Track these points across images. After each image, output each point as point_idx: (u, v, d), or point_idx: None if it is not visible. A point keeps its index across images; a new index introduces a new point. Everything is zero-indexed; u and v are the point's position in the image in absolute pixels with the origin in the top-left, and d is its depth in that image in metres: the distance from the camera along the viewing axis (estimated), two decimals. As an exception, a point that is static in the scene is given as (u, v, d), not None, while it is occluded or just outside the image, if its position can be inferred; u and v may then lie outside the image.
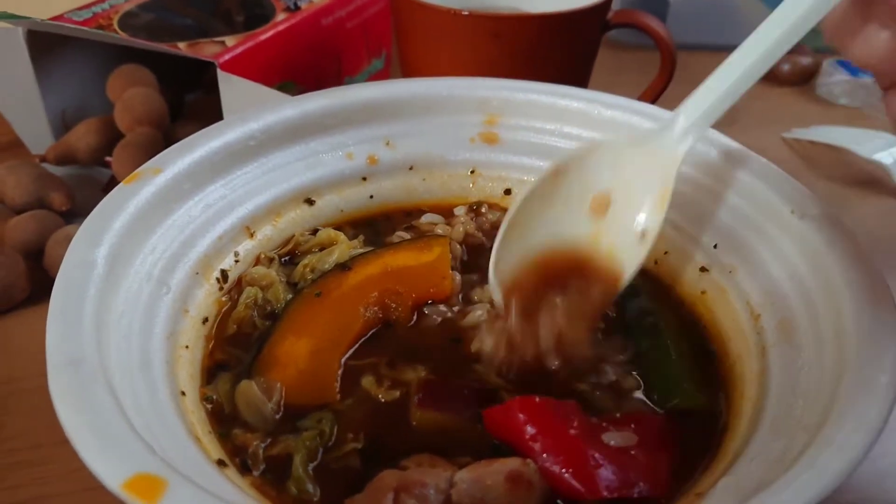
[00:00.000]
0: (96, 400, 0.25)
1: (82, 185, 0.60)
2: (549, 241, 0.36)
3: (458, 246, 0.41)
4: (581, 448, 0.29)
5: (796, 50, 0.83)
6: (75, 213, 0.56)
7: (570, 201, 0.36)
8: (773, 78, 0.82)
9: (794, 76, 0.82)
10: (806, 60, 0.83)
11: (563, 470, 0.29)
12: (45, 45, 0.60)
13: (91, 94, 0.64)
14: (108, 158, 0.61)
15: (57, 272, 0.49)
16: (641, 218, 0.35)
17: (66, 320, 0.28)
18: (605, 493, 0.28)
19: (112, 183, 0.61)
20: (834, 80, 0.80)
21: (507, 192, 0.46)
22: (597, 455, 0.28)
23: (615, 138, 0.36)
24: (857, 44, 0.31)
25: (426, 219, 0.44)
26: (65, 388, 0.25)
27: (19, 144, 0.64)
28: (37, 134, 0.63)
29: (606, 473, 0.28)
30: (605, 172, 0.36)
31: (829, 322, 0.31)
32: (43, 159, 0.61)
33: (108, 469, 0.23)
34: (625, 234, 0.35)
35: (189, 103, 0.67)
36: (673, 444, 0.31)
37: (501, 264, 0.35)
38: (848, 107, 0.79)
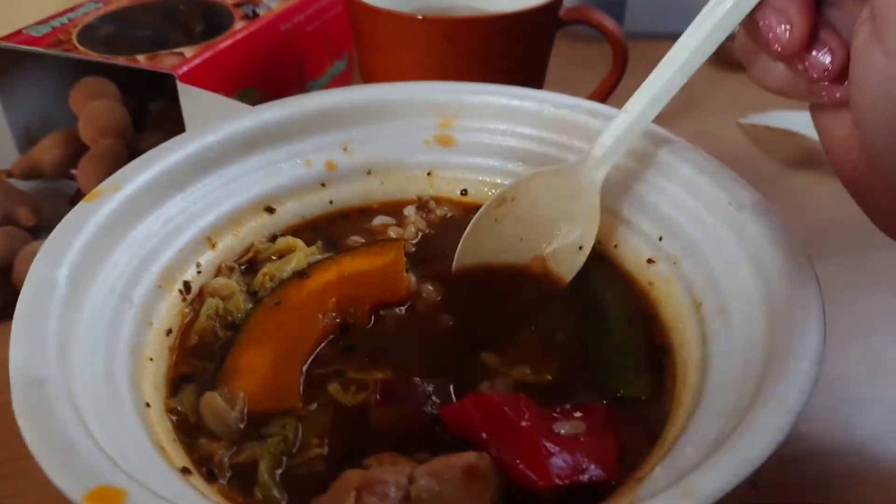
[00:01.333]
0: (58, 418, 0.26)
1: (49, 198, 0.61)
2: (500, 255, 0.42)
3: (412, 245, 0.43)
4: (533, 439, 0.30)
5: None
6: (42, 228, 0.57)
7: (518, 224, 0.42)
8: (729, 65, 0.84)
9: (750, 62, 0.84)
10: (761, 46, 0.85)
11: (517, 461, 0.30)
12: (6, 60, 0.60)
13: (55, 108, 0.65)
14: (73, 171, 0.62)
15: (26, 288, 0.50)
16: (578, 235, 0.41)
17: (28, 341, 0.29)
18: (556, 481, 0.29)
19: (78, 196, 0.62)
20: (788, 65, 0.82)
21: (464, 192, 0.47)
22: (548, 444, 0.30)
23: (549, 169, 0.42)
24: (758, 71, 0.34)
25: (378, 220, 0.45)
26: (28, 409, 0.26)
27: (-16, 160, 0.64)
28: (1, 149, 0.63)
29: (558, 461, 0.30)
30: (543, 198, 0.42)
31: (762, 309, 0.32)
32: (9, 174, 0.61)
33: (71, 483, 0.24)
34: (565, 248, 0.42)
35: (153, 112, 0.68)
36: (619, 431, 0.32)
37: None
38: (802, 91, 0.81)
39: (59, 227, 0.35)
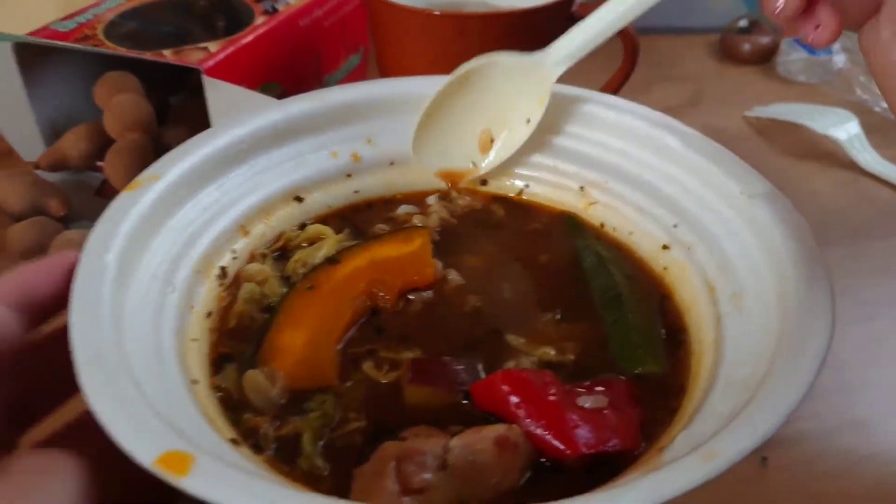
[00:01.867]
0: (122, 390, 0.28)
1: (75, 189, 0.63)
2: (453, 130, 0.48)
3: (435, 233, 0.45)
4: (560, 411, 0.32)
5: (756, 30, 0.87)
6: (71, 218, 0.59)
7: (472, 105, 0.48)
8: (734, 58, 0.86)
9: (754, 56, 0.86)
10: (765, 40, 0.87)
11: (546, 432, 0.32)
12: (33, 55, 0.62)
13: (79, 101, 0.67)
14: (99, 163, 0.63)
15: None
16: (527, 111, 0.46)
17: (86, 321, 0.31)
18: (583, 450, 0.31)
19: (104, 186, 0.64)
20: (791, 58, 0.84)
21: (483, 182, 0.49)
22: (574, 416, 0.32)
23: (505, 57, 0.46)
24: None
25: (402, 210, 0.47)
26: (94, 382, 0.28)
27: (11, 153, 0.66)
28: (28, 142, 0.65)
29: (583, 432, 0.32)
30: (499, 81, 0.47)
31: (773, 292, 0.34)
32: (36, 166, 0.63)
33: (141, 449, 0.26)
34: (515, 122, 0.47)
35: (174, 106, 0.70)
36: (639, 405, 0.34)
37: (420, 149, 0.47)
38: (806, 83, 0.83)
39: (104, 215, 0.36)
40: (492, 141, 0.48)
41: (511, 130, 0.47)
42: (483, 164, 0.48)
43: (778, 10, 0.34)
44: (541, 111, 0.46)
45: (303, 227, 0.45)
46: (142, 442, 0.26)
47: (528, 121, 0.46)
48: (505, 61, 0.46)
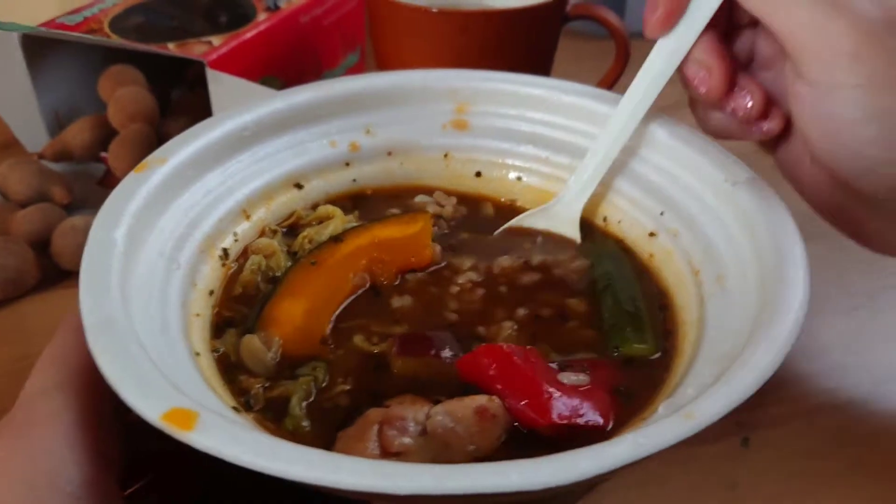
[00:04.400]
0: (130, 351, 0.29)
1: (78, 179, 0.64)
2: None
3: (443, 221, 0.46)
4: (537, 383, 0.34)
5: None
6: (74, 207, 0.60)
7: None
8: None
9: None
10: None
11: (521, 402, 0.33)
12: (38, 47, 0.63)
13: (83, 93, 0.68)
14: (102, 154, 0.65)
15: (64, 260, 0.54)
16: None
17: (95, 289, 0.32)
18: (556, 420, 0.32)
19: (107, 177, 0.65)
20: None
21: (478, 174, 0.51)
22: (551, 389, 0.33)
23: (533, 211, 0.48)
24: (699, 116, 0.43)
25: (419, 199, 0.49)
26: (103, 343, 0.29)
27: (16, 143, 0.67)
28: (32, 133, 0.67)
29: (558, 404, 0.33)
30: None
31: (754, 272, 0.36)
32: (41, 156, 0.64)
33: (148, 405, 0.27)
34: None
35: (176, 99, 0.71)
36: (622, 385, 0.36)
37: None
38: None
39: (113, 193, 0.38)
40: None
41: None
42: None
43: (707, 85, 0.40)
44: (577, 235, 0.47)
45: (314, 207, 0.47)
46: (148, 399, 0.27)
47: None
48: (535, 220, 0.47)
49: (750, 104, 0.40)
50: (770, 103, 0.41)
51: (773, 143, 0.43)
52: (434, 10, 0.58)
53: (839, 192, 0.39)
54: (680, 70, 0.42)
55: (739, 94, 0.40)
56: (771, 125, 0.41)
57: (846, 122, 0.36)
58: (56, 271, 0.54)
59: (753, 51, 0.43)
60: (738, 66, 0.42)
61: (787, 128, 0.41)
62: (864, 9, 0.35)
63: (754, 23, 0.43)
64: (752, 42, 0.43)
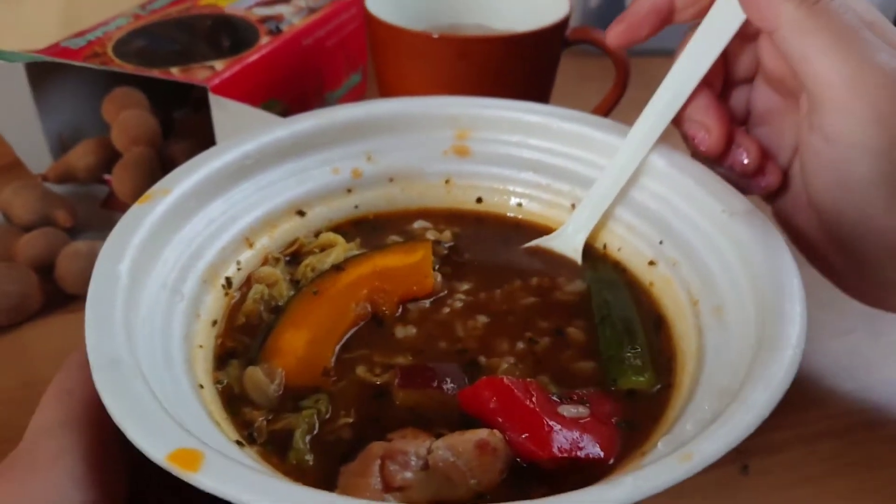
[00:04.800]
0: (136, 391, 0.30)
1: (81, 201, 0.65)
2: None
3: (443, 247, 0.47)
4: (537, 417, 0.34)
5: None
6: (78, 229, 0.61)
7: None
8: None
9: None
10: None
11: (522, 435, 0.34)
12: (42, 69, 0.64)
13: (86, 116, 0.69)
14: (105, 176, 0.65)
15: (68, 284, 0.54)
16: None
17: (101, 326, 0.33)
18: (556, 453, 0.32)
19: (110, 199, 0.66)
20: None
21: (479, 200, 0.51)
22: (551, 423, 0.33)
23: (550, 237, 0.48)
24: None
25: (418, 224, 0.49)
26: (109, 383, 0.30)
27: (19, 165, 0.68)
28: (36, 154, 0.67)
29: (559, 437, 0.33)
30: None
31: (752, 305, 0.36)
32: (44, 178, 0.65)
33: (154, 446, 0.27)
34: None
35: (178, 121, 0.72)
36: (622, 417, 0.36)
37: None
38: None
39: (118, 225, 0.38)
40: None
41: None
42: None
43: (705, 144, 0.42)
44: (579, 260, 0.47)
45: (317, 234, 0.47)
46: (155, 439, 0.28)
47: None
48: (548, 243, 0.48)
49: (746, 161, 0.42)
50: (766, 158, 0.42)
51: (771, 194, 0.44)
52: (435, 36, 0.58)
53: (832, 249, 0.41)
54: (680, 127, 0.43)
55: (736, 151, 0.42)
56: (768, 181, 0.42)
57: (859, 181, 0.37)
58: (60, 296, 0.55)
59: (749, 106, 0.45)
60: (735, 122, 0.43)
61: (785, 181, 0.43)
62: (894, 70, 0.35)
63: (749, 79, 0.44)
64: (748, 97, 0.45)
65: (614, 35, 0.45)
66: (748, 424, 0.28)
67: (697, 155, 0.44)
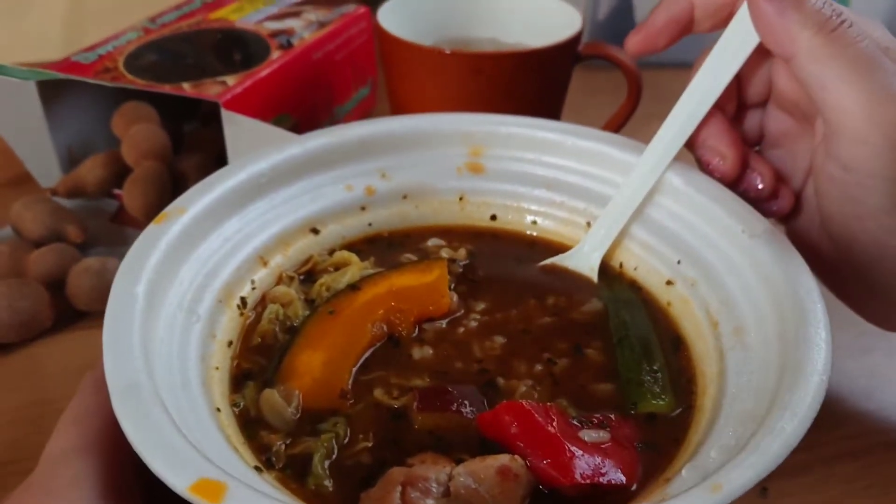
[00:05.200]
0: (156, 419, 0.29)
1: (91, 215, 0.64)
2: None
3: (458, 265, 0.46)
4: (559, 442, 0.33)
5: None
6: (87, 243, 0.60)
7: None
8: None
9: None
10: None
11: (544, 461, 0.33)
12: (52, 84, 0.64)
13: (96, 130, 0.68)
14: (115, 191, 0.65)
15: (79, 301, 0.54)
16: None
17: (119, 350, 0.32)
18: (579, 479, 0.32)
19: (120, 213, 0.65)
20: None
21: (493, 217, 0.51)
22: (573, 448, 0.33)
23: (566, 255, 0.48)
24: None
25: (432, 242, 0.49)
26: (129, 410, 0.29)
27: (29, 179, 0.68)
28: (46, 168, 0.67)
29: (581, 463, 0.33)
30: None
31: (774, 328, 0.36)
32: (54, 192, 0.65)
33: (176, 476, 0.27)
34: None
35: (188, 135, 0.72)
36: (642, 441, 0.36)
37: None
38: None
39: (134, 245, 0.38)
40: None
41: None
42: None
43: (720, 170, 0.42)
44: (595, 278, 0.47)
45: (331, 253, 0.47)
46: (177, 469, 0.27)
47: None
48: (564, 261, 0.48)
49: (760, 186, 0.42)
50: (780, 182, 0.42)
51: (784, 217, 0.44)
52: (447, 52, 0.58)
53: (844, 271, 0.41)
54: (695, 153, 0.43)
55: (750, 175, 0.42)
56: (781, 204, 0.42)
57: (873, 209, 0.37)
58: (71, 312, 0.55)
59: (762, 129, 0.45)
60: (749, 145, 0.43)
61: (798, 203, 0.43)
62: None
63: (763, 102, 0.44)
64: (761, 121, 0.45)
65: (633, 45, 0.45)
66: (777, 454, 0.28)
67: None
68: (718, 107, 0.43)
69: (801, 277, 0.37)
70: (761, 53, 0.42)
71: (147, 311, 0.35)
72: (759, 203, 0.43)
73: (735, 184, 0.43)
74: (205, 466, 0.28)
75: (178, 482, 0.27)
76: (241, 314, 0.42)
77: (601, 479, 0.33)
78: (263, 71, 0.62)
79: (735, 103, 0.45)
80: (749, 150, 0.44)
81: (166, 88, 0.59)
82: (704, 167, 0.43)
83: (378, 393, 0.38)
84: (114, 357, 0.32)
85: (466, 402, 0.37)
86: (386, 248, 0.49)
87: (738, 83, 0.44)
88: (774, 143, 0.45)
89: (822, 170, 0.39)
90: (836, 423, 0.47)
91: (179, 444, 0.29)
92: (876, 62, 0.36)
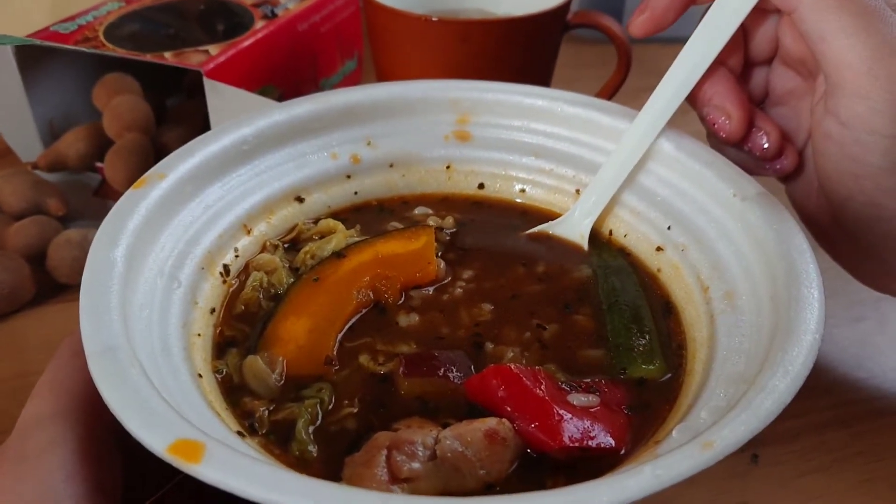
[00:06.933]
0: (133, 380, 0.29)
1: (73, 190, 0.63)
2: None
3: (445, 234, 0.46)
4: (547, 406, 0.33)
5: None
6: (70, 217, 0.59)
7: None
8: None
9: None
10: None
11: (531, 424, 0.33)
12: (32, 55, 0.62)
13: (77, 103, 0.67)
14: (97, 164, 0.64)
15: (60, 273, 0.53)
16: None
17: (96, 313, 0.31)
18: (567, 442, 0.32)
19: (102, 187, 0.64)
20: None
21: (481, 186, 0.50)
22: (561, 411, 0.33)
23: (555, 223, 0.47)
24: (714, 148, 0.43)
25: (419, 210, 0.48)
26: (106, 372, 0.29)
27: (9, 153, 0.66)
28: (26, 142, 0.66)
29: (569, 426, 0.32)
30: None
31: (766, 290, 0.35)
32: (35, 166, 0.63)
33: (153, 437, 0.26)
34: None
35: (171, 108, 0.70)
36: (632, 406, 0.35)
37: None
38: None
39: (112, 210, 0.37)
40: None
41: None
42: None
43: (726, 130, 0.41)
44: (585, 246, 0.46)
45: (316, 221, 0.46)
46: (154, 430, 0.27)
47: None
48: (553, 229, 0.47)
49: (766, 145, 0.41)
50: (784, 140, 0.41)
51: (785, 176, 0.43)
52: (434, 19, 0.57)
53: (841, 233, 0.40)
54: (699, 112, 0.43)
55: (756, 134, 0.41)
56: (785, 163, 0.41)
57: (871, 168, 0.36)
58: (52, 285, 0.54)
59: (767, 87, 0.43)
60: (754, 102, 0.42)
61: (800, 162, 0.42)
62: None
63: (769, 59, 0.43)
64: (767, 78, 0.43)
65: (638, 26, 0.43)
66: (769, 411, 0.28)
67: (714, 137, 0.43)
68: (724, 64, 0.42)
69: (793, 238, 0.36)
70: (767, 7, 0.40)
71: (125, 275, 0.34)
72: (764, 162, 0.42)
73: (740, 143, 0.42)
74: (183, 427, 0.27)
75: (155, 443, 0.26)
76: (224, 282, 0.42)
77: (590, 443, 0.32)
78: (247, 41, 0.61)
79: (741, 58, 0.43)
80: (755, 109, 0.42)
81: (147, 57, 0.58)
82: (709, 126, 0.42)
83: (364, 359, 0.38)
84: (91, 320, 0.31)
85: (453, 367, 0.37)
86: (371, 217, 0.48)
87: (745, 39, 0.43)
88: (778, 101, 0.43)
89: (821, 126, 0.38)
90: (826, 391, 0.47)
91: (157, 405, 0.28)
92: (879, 15, 0.35)
